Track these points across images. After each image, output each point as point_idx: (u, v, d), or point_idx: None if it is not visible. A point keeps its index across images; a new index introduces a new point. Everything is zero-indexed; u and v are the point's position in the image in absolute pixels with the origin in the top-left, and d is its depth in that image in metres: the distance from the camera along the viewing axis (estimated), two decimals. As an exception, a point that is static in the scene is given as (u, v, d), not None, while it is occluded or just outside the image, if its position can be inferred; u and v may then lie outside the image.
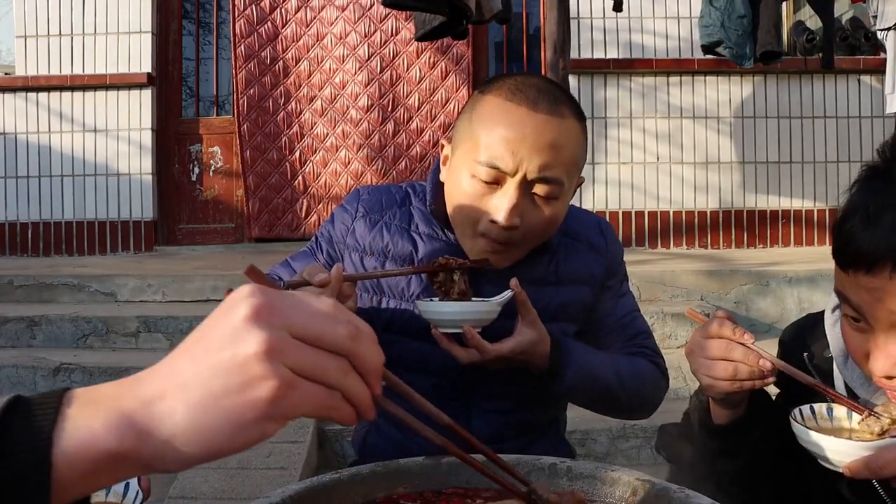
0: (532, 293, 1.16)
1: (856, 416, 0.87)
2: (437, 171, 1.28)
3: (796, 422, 0.83)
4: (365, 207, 1.28)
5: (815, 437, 0.80)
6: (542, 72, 5.32)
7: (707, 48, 4.15)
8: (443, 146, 1.25)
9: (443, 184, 1.24)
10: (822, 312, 1.04)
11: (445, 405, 1.26)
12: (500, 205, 1.11)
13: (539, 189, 1.13)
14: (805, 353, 1.01)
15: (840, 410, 0.88)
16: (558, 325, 1.24)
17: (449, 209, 1.21)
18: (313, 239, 1.34)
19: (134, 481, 0.84)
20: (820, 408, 0.89)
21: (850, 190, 0.86)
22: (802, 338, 1.05)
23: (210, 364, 0.48)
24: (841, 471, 0.78)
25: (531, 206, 1.13)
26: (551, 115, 1.12)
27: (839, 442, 0.78)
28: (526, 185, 1.12)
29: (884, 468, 0.75)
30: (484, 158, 1.11)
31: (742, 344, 0.89)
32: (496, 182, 1.12)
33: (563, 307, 1.26)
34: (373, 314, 1.25)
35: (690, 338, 0.95)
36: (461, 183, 1.15)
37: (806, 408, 0.88)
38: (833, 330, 0.98)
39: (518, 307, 1.13)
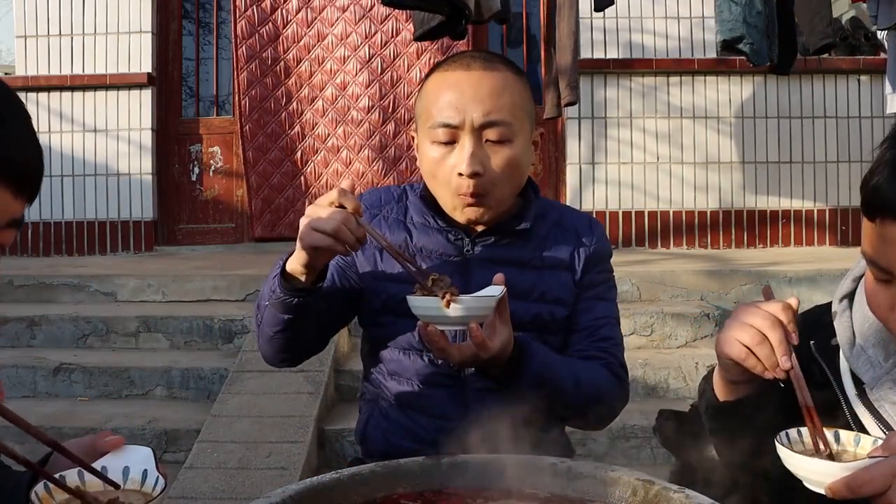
0: (514, 275, 1.23)
1: (843, 438, 0.87)
2: None
3: (782, 445, 0.84)
4: (365, 204, 1.36)
5: (796, 458, 0.81)
6: (543, 73, 5.31)
7: (727, 44, 4.02)
8: (412, 137, 1.37)
9: None
10: (829, 304, 1.04)
11: (441, 384, 1.27)
12: (460, 157, 1.24)
13: (490, 134, 1.24)
14: (812, 342, 1.02)
15: (829, 435, 0.88)
16: (546, 308, 1.29)
17: (428, 185, 1.32)
18: None
19: (153, 467, 0.80)
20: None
21: (881, 146, 0.86)
22: (809, 327, 1.05)
23: None
24: (823, 492, 0.79)
25: (488, 152, 1.24)
26: (485, 70, 1.25)
27: (819, 463, 0.80)
28: (477, 134, 1.24)
29: (862, 487, 0.76)
30: (437, 122, 1.25)
31: (789, 341, 0.88)
32: (453, 140, 1.24)
33: (547, 290, 1.30)
34: (372, 294, 1.31)
35: (749, 301, 0.94)
36: (427, 153, 1.28)
37: (793, 431, 0.88)
38: (840, 319, 0.99)
39: (499, 304, 1.14)
